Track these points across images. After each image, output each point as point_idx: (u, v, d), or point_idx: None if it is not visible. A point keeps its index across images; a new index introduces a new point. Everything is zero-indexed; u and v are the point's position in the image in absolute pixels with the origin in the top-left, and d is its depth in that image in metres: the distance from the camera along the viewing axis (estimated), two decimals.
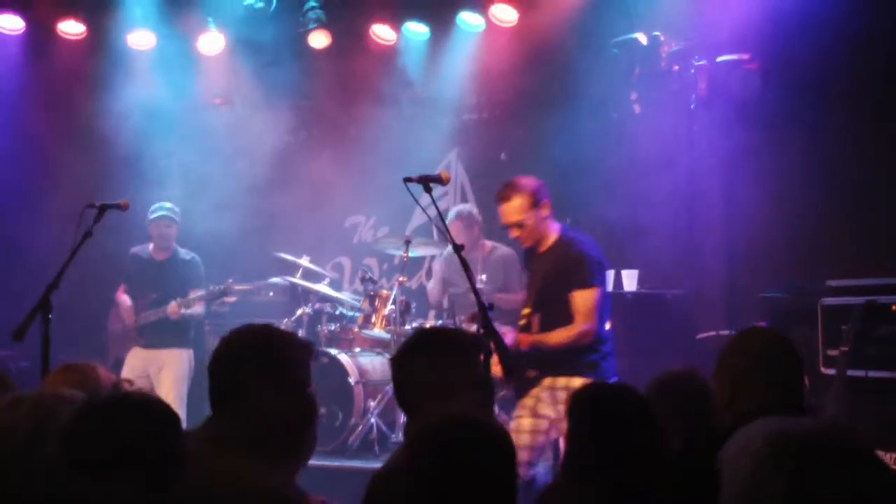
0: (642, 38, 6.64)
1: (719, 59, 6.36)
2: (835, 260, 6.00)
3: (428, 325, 6.93)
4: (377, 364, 7.13)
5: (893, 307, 4.99)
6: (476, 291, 4.01)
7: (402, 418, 6.56)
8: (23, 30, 8.17)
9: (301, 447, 2.73)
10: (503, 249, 7.20)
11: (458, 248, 4.09)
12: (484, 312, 3.86)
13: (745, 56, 6.33)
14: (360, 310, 7.14)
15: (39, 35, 8.25)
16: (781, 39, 6.25)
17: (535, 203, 4.82)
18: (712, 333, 5.92)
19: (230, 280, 7.12)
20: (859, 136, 6.16)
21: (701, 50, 6.50)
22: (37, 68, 8.35)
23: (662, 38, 6.65)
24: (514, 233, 4.90)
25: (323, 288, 7.45)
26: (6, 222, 8.26)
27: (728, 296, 6.41)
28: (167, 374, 6.95)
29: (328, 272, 8.11)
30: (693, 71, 6.47)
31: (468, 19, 7.81)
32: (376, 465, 5.56)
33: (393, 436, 6.61)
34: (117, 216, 5.02)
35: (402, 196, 4.30)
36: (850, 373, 4.88)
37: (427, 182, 4.27)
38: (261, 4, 7.82)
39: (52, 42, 8.25)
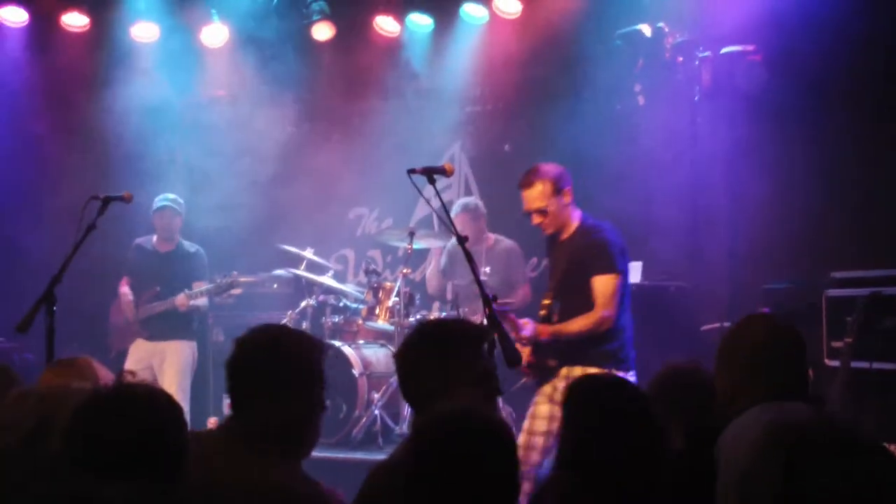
0: (646, 30, 6.63)
1: (723, 50, 6.34)
2: (839, 251, 6.00)
3: (434, 317, 6.94)
4: (381, 356, 7.14)
5: None
6: (480, 283, 4.02)
7: (406, 410, 6.59)
8: (26, 22, 8.16)
9: (309, 441, 2.79)
10: (507, 242, 7.20)
11: (461, 240, 4.09)
12: (488, 304, 3.87)
13: (750, 48, 6.30)
14: (363, 302, 7.15)
15: (43, 27, 8.24)
16: (786, 31, 6.24)
17: (557, 190, 4.79)
18: (716, 325, 5.91)
19: (235, 272, 7.13)
20: (864, 129, 6.15)
21: (705, 41, 6.48)
22: (40, 61, 8.35)
23: (667, 30, 6.64)
24: (537, 219, 4.87)
25: (327, 280, 7.45)
26: (7, 219, 8.26)
27: (731, 288, 6.39)
28: (170, 366, 6.97)
29: (332, 264, 8.11)
30: (697, 62, 6.45)
31: (472, 11, 7.79)
32: (380, 457, 5.57)
33: (397, 428, 6.62)
34: (121, 209, 5.03)
35: (405, 188, 4.30)
36: (853, 364, 4.88)
37: (431, 174, 4.27)
38: None
39: (55, 34, 8.24)
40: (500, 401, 4.90)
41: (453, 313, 6.78)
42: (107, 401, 2.33)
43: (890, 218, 5.99)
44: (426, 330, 2.95)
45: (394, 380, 6.72)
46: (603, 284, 4.69)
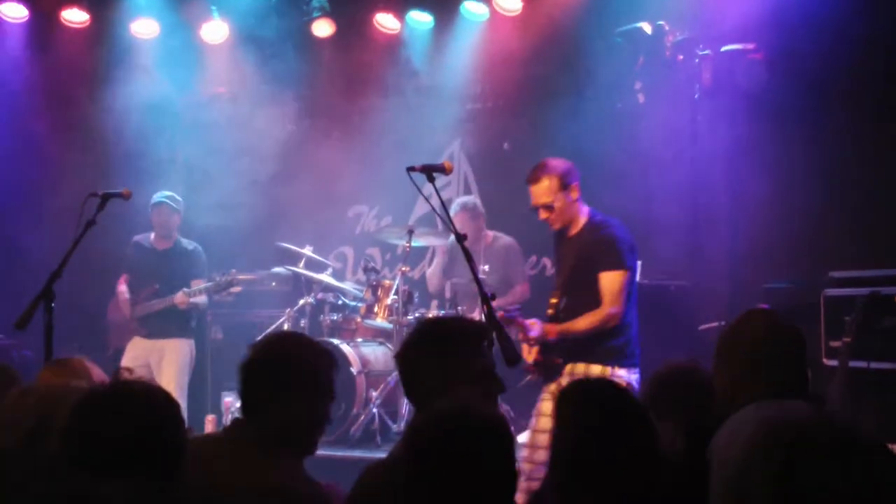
0: (647, 28, 6.62)
1: (724, 48, 6.33)
2: (838, 251, 6.00)
3: (433, 315, 6.94)
4: (379, 354, 7.14)
5: None
6: (479, 281, 4.01)
7: (405, 408, 6.59)
8: (26, 18, 8.16)
9: (315, 443, 2.83)
10: (505, 239, 7.21)
11: (460, 238, 4.08)
12: (487, 302, 3.86)
13: (750, 46, 6.30)
14: (362, 299, 7.14)
15: (43, 23, 8.23)
16: (786, 29, 6.23)
17: (564, 185, 4.77)
18: (714, 324, 5.91)
19: (234, 270, 7.12)
20: (864, 128, 6.15)
21: (706, 39, 6.47)
22: (40, 57, 8.34)
23: (667, 28, 6.63)
24: (543, 215, 4.85)
25: (326, 278, 7.45)
26: (6, 216, 8.25)
27: (731, 287, 6.39)
28: (169, 364, 6.95)
29: (331, 262, 8.11)
30: (697, 61, 6.45)
31: (472, 8, 7.78)
32: (378, 454, 5.58)
33: (395, 426, 6.62)
34: (121, 206, 5.03)
35: (405, 186, 4.30)
36: (852, 364, 4.87)
37: (430, 171, 4.26)
38: None
39: (55, 30, 8.24)
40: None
41: (452, 312, 6.78)
42: (104, 398, 2.33)
43: (890, 218, 5.98)
44: (424, 328, 2.96)
45: (392, 378, 6.72)
46: (610, 281, 4.68)
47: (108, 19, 8.19)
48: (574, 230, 4.87)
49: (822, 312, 5.24)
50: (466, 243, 4.10)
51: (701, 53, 6.44)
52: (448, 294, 7.05)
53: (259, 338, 2.93)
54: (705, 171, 6.62)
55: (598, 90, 7.00)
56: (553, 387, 4.76)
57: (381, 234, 7.80)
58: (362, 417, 6.65)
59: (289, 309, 7.32)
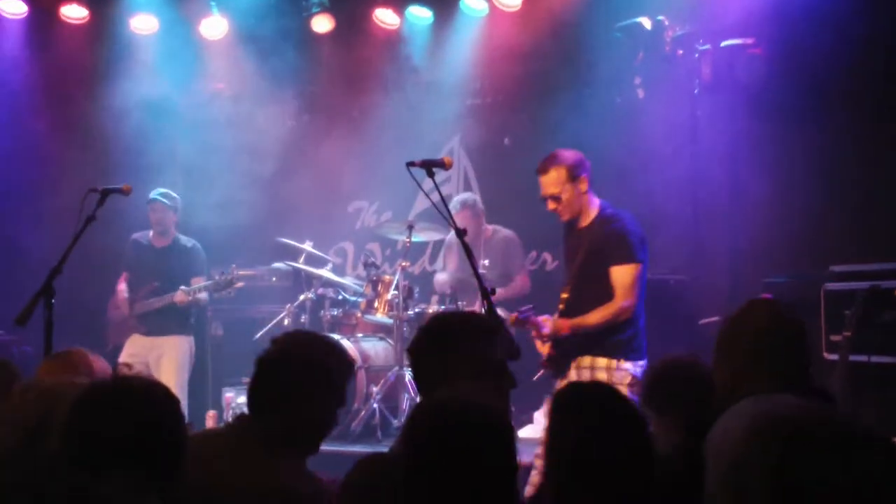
0: (646, 23, 6.62)
1: (723, 43, 6.33)
2: (838, 245, 5.99)
3: (433, 310, 6.94)
4: (380, 349, 7.14)
5: None
6: (479, 276, 4.01)
7: (405, 403, 6.59)
8: (26, 14, 8.15)
9: (318, 444, 2.85)
10: (504, 232, 7.22)
11: (460, 233, 4.08)
12: (486, 297, 3.86)
13: (750, 41, 6.30)
14: (362, 295, 7.14)
15: (42, 19, 8.23)
16: (786, 24, 6.23)
17: (572, 176, 4.76)
18: (715, 319, 5.91)
19: (234, 266, 7.11)
20: (864, 123, 6.14)
21: (705, 34, 6.47)
22: (39, 53, 8.33)
23: (667, 23, 6.63)
24: (551, 205, 4.84)
25: (326, 273, 7.45)
26: (6, 213, 8.24)
27: (731, 281, 6.40)
28: (168, 362, 6.92)
29: (331, 257, 8.11)
30: (697, 56, 6.45)
31: (472, 3, 7.78)
32: (379, 450, 5.56)
33: (395, 421, 6.62)
34: (123, 202, 5.02)
35: (405, 181, 4.29)
36: (852, 358, 4.87)
37: (430, 167, 4.25)
38: None
39: (54, 26, 8.23)
40: None
41: (452, 306, 6.78)
42: (104, 394, 2.33)
43: (889, 213, 5.98)
44: (426, 324, 2.96)
45: (392, 373, 6.73)
46: (622, 274, 4.67)
47: (107, 15, 8.18)
48: (584, 222, 4.86)
49: (822, 306, 5.24)
50: (467, 240, 4.10)
51: (700, 48, 6.44)
52: (448, 290, 7.06)
53: (279, 333, 2.89)
54: (705, 166, 6.62)
55: (598, 85, 7.00)
56: (562, 383, 4.76)
57: (382, 229, 7.80)
58: (363, 413, 6.65)
59: (289, 304, 7.32)
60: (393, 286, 6.83)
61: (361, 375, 6.79)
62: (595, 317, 4.67)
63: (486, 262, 6.94)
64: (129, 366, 3.23)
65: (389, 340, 7.14)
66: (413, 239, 6.98)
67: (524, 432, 5.99)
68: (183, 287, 6.89)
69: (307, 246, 7.51)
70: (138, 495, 2.22)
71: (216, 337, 7.87)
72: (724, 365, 2.78)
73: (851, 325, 4.89)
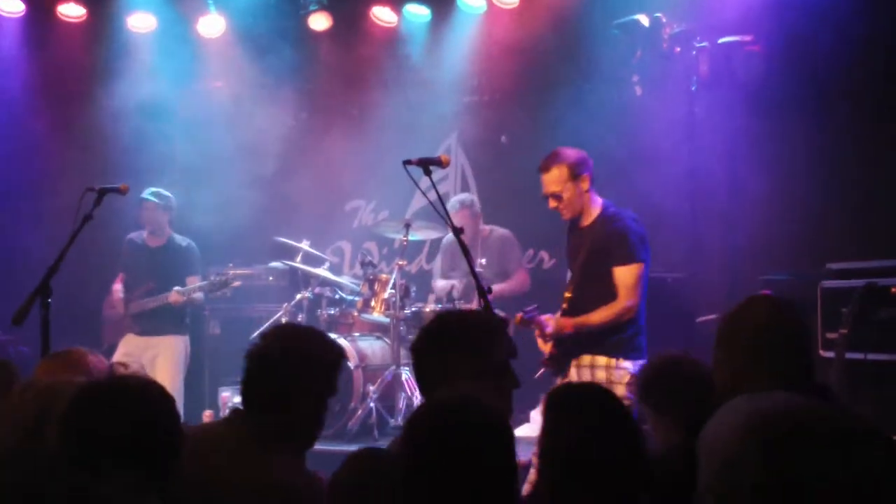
0: (644, 20, 6.60)
1: (721, 40, 6.33)
2: (836, 243, 5.99)
3: (430, 309, 6.94)
4: (377, 348, 7.14)
5: (893, 290, 4.97)
6: (476, 276, 4.01)
7: (402, 403, 6.58)
8: (23, 12, 8.14)
9: (314, 438, 2.84)
10: (500, 231, 7.22)
11: (457, 232, 4.08)
12: (483, 296, 3.86)
13: (748, 38, 6.29)
14: (359, 294, 7.13)
15: (40, 17, 8.21)
16: (784, 21, 6.22)
17: (573, 175, 4.76)
18: (712, 317, 5.91)
19: (231, 265, 7.10)
20: (863, 122, 6.14)
21: (703, 31, 6.46)
22: (37, 51, 8.32)
23: (664, 20, 6.61)
24: (552, 204, 4.84)
25: (323, 272, 7.44)
26: (3, 212, 8.23)
27: (729, 279, 6.39)
28: (163, 362, 6.90)
29: (328, 256, 8.10)
30: (695, 53, 6.44)
31: (469, 1, 7.78)
32: None
33: (392, 420, 6.61)
34: (122, 202, 5.02)
35: (402, 180, 4.29)
36: (849, 355, 4.87)
37: (427, 165, 4.25)
38: None
39: (52, 25, 8.22)
40: None
41: (448, 306, 6.78)
42: (100, 393, 2.33)
43: (887, 211, 5.98)
44: (428, 323, 2.95)
45: (389, 372, 6.72)
46: (625, 275, 4.68)
47: (105, 14, 8.18)
48: (586, 221, 4.86)
49: (818, 304, 5.23)
50: (465, 240, 4.09)
51: (698, 45, 6.43)
52: (455, 292, 7.04)
53: (268, 328, 2.88)
54: (703, 164, 6.61)
55: (596, 82, 7.00)
56: (562, 381, 4.77)
57: (379, 228, 7.80)
58: (360, 412, 6.64)
59: (286, 303, 7.31)
60: (390, 285, 6.82)
61: (358, 374, 6.79)
62: (598, 316, 4.68)
63: (483, 261, 6.94)
64: (125, 365, 3.22)
65: (386, 339, 7.14)
66: (410, 238, 6.97)
67: (521, 431, 5.98)
68: (177, 288, 6.87)
69: (304, 245, 7.51)
70: (138, 495, 2.22)
71: (213, 336, 7.87)
72: (723, 362, 2.73)
73: (848, 323, 4.88)
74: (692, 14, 6.59)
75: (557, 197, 4.80)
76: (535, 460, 4.44)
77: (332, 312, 7.34)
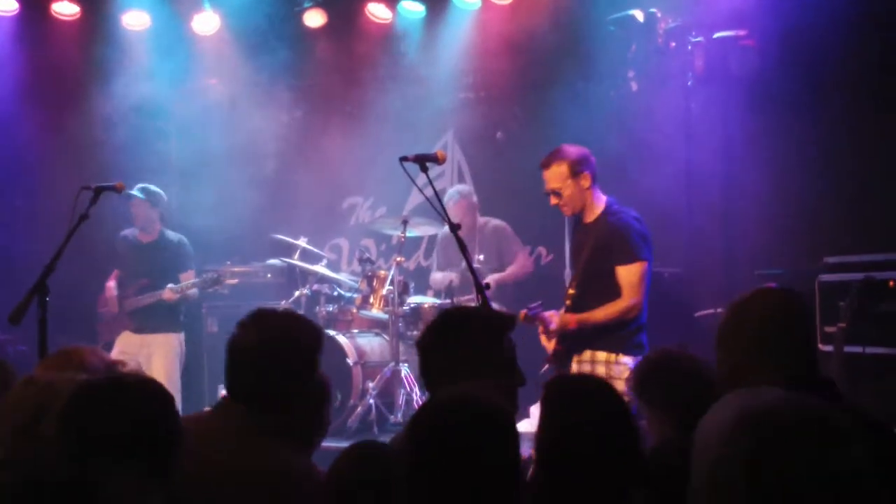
0: (639, 15, 6.61)
1: (716, 35, 6.33)
2: (833, 236, 6.00)
3: (428, 305, 6.94)
4: (375, 345, 7.14)
5: (891, 283, 4.99)
6: (473, 271, 4.02)
7: (401, 399, 6.59)
8: (16, 10, 8.12)
9: (316, 427, 2.82)
10: (494, 222, 7.24)
11: (454, 227, 4.08)
12: (481, 292, 3.87)
13: (742, 32, 6.29)
14: (357, 290, 7.14)
15: (33, 16, 8.19)
16: (779, 15, 6.22)
17: (574, 172, 4.77)
18: (710, 311, 5.92)
19: (229, 262, 7.09)
20: (858, 114, 6.14)
21: (698, 26, 6.47)
22: (31, 50, 8.29)
23: (659, 15, 6.62)
24: (553, 200, 4.85)
25: (321, 269, 7.44)
26: (0, 209, 8.22)
27: (726, 274, 6.40)
28: (158, 360, 6.88)
29: (326, 253, 8.11)
30: (690, 48, 6.44)
31: None
32: None
33: (392, 417, 6.62)
34: (116, 199, 5.01)
35: (399, 176, 4.29)
36: (847, 349, 4.88)
37: (423, 161, 4.25)
38: None
39: (45, 23, 8.19)
40: None
41: (447, 301, 6.78)
42: (99, 390, 2.33)
43: (884, 205, 5.98)
44: (434, 320, 2.95)
45: (388, 369, 6.73)
46: (628, 274, 4.70)
47: (98, 12, 8.15)
48: (589, 218, 4.87)
49: (816, 298, 5.24)
50: (462, 233, 4.09)
51: (693, 40, 6.44)
52: (445, 284, 7.05)
53: (250, 316, 2.82)
54: (699, 159, 6.62)
55: (591, 78, 6.99)
56: None
57: (376, 224, 7.80)
58: (359, 408, 6.65)
59: (284, 301, 7.31)
60: (388, 281, 6.83)
61: (357, 371, 6.79)
62: (602, 313, 4.70)
63: (481, 256, 6.95)
64: (123, 363, 3.21)
65: (385, 336, 7.14)
66: (408, 234, 6.97)
67: (521, 426, 5.97)
68: (170, 285, 6.86)
69: (302, 242, 7.51)
70: (139, 492, 2.22)
71: (211, 334, 7.86)
72: (726, 355, 2.68)
73: (846, 317, 4.89)
74: (687, 9, 6.60)
75: (558, 194, 4.81)
76: (534, 455, 4.46)
77: (331, 309, 7.34)
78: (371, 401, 6.64)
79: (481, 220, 7.24)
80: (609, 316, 4.68)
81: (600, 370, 4.66)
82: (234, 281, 7.27)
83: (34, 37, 8.25)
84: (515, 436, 2.19)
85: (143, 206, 6.96)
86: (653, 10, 6.59)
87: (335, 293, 7.43)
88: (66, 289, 4.93)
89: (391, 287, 6.77)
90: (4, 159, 8.13)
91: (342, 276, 7.68)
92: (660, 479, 2.48)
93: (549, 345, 4.79)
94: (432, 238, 7.93)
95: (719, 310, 5.77)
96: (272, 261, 7.84)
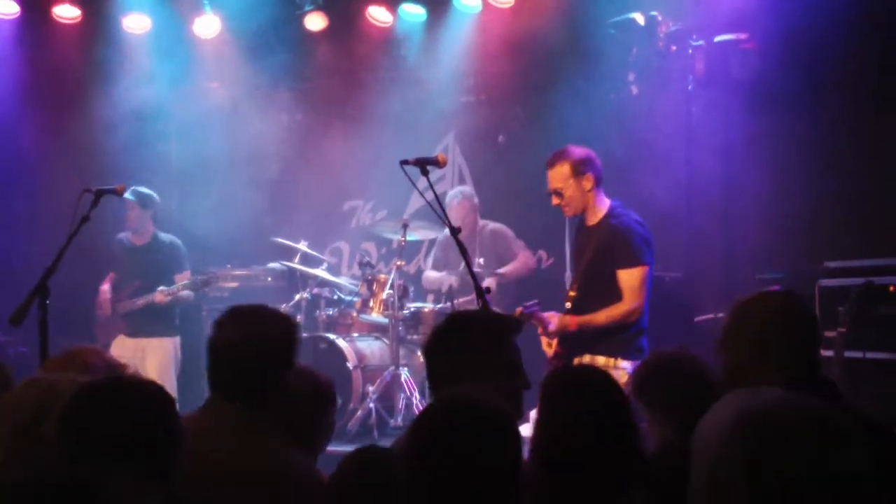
0: (640, 19, 6.61)
1: (717, 38, 6.33)
2: (833, 241, 5.99)
3: (428, 309, 6.94)
4: (375, 349, 7.14)
5: (891, 288, 4.98)
6: (474, 275, 4.01)
7: (401, 403, 6.58)
8: (17, 13, 8.12)
9: (316, 428, 2.83)
10: (492, 225, 7.25)
11: (454, 231, 4.08)
12: (481, 296, 3.86)
13: (743, 36, 6.30)
14: (358, 294, 7.14)
15: (34, 19, 8.20)
16: (780, 19, 6.22)
17: (576, 172, 4.77)
18: (710, 316, 5.91)
19: (229, 265, 7.08)
20: (859, 119, 6.14)
21: (699, 30, 6.47)
22: (32, 53, 8.30)
23: (660, 18, 6.62)
24: (555, 200, 4.86)
25: (321, 273, 7.44)
26: (1, 211, 8.22)
27: (726, 276, 6.40)
28: (153, 364, 6.84)
29: (326, 257, 8.10)
30: (691, 51, 6.44)
31: (465, 0, 7.77)
32: None
33: (392, 420, 6.62)
34: (117, 202, 5.00)
35: (399, 179, 4.29)
36: (847, 354, 4.87)
37: (424, 165, 4.25)
38: None
39: (47, 26, 8.20)
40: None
41: (448, 305, 6.78)
42: (100, 392, 2.33)
43: (884, 209, 5.98)
44: (439, 324, 2.96)
45: (388, 373, 6.72)
46: (630, 277, 4.69)
47: (99, 15, 8.15)
48: (592, 220, 4.87)
49: (816, 303, 5.24)
50: (463, 237, 4.09)
51: (694, 44, 6.44)
52: (444, 288, 7.05)
53: (228, 314, 2.86)
54: (699, 162, 6.62)
55: (592, 81, 6.99)
56: None
57: (377, 228, 7.80)
58: (359, 412, 6.64)
59: (284, 304, 7.30)
60: (388, 285, 6.83)
61: (357, 375, 6.79)
62: (603, 316, 4.69)
63: (481, 260, 6.94)
64: (125, 366, 3.22)
65: (385, 340, 7.14)
66: (408, 238, 6.98)
67: (523, 430, 5.97)
68: (161, 287, 6.84)
69: (302, 246, 7.50)
70: (138, 494, 2.21)
71: None
72: (728, 357, 2.69)
73: (846, 322, 4.88)
74: (688, 12, 6.60)
75: (559, 193, 4.82)
76: (532, 452, 4.47)
77: (331, 313, 7.34)
78: (371, 404, 6.63)
79: (480, 223, 7.24)
80: (610, 319, 4.68)
81: None
82: (234, 284, 7.26)
83: (35, 39, 8.25)
84: (516, 438, 2.19)
85: (134, 209, 6.94)
86: (654, 13, 6.59)
87: (335, 297, 7.43)
88: (67, 291, 4.93)
89: (391, 291, 6.77)
90: (5, 161, 8.13)
91: (342, 280, 7.68)
92: (661, 480, 2.48)
93: (550, 348, 4.78)
94: (433, 242, 7.93)
95: (720, 314, 5.77)
96: (272, 264, 7.84)
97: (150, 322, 6.93)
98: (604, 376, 2.53)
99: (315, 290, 7.41)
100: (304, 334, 7.12)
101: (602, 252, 4.73)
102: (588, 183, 4.79)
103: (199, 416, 2.84)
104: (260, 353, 2.78)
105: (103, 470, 2.18)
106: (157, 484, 2.26)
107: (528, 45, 7.53)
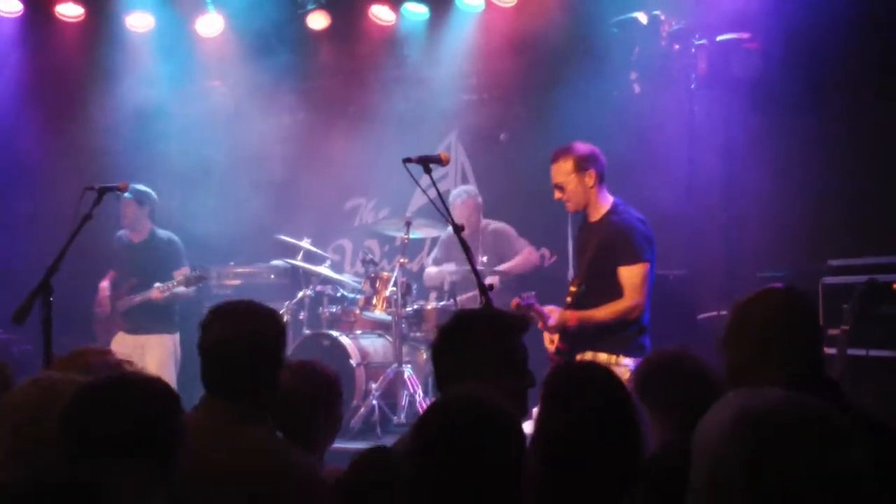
0: (642, 18, 6.61)
1: (719, 38, 6.33)
2: (836, 239, 5.99)
3: (431, 307, 6.94)
4: (378, 346, 7.14)
5: (894, 286, 4.98)
6: (477, 273, 4.02)
7: (404, 400, 6.59)
8: (20, 12, 8.14)
9: (314, 428, 2.83)
10: (494, 224, 7.25)
11: (458, 229, 4.08)
12: (484, 293, 3.87)
13: (746, 35, 6.29)
14: (361, 292, 7.14)
15: (37, 17, 8.21)
16: (782, 17, 6.22)
17: (579, 168, 4.80)
18: (713, 314, 5.92)
19: (232, 263, 7.08)
20: (860, 117, 6.14)
21: (701, 29, 6.47)
22: (35, 52, 8.31)
23: (663, 18, 6.62)
24: (557, 195, 4.88)
25: (324, 270, 7.45)
26: (2, 210, 8.23)
27: (728, 275, 6.40)
28: (152, 361, 6.82)
29: (329, 254, 8.11)
30: (693, 50, 6.44)
31: None
32: None
33: (395, 418, 6.62)
34: (116, 200, 5.00)
35: (402, 177, 4.29)
36: (850, 352, 4.88)
37: (427, 163, 4.26)
38: None
39: (50, 25, 8.21)
40: None
41: (450, 302, 6.79)
42: (102, 390, 2.33)
43: (886, 207, 5.98)
44: (446, 322, 2.96)
45: (391, 370, 6.73)
46: (630, 274, 4.71)
47: (102, 13, 8.17)
48: (594, 217, 4.89)
49: (820, 301, 5.24)
50: (466, 236, 4.09)
51: (697, 43, 6.44)
52: (446, 285, 7.06)
53: (213, 312, 2.87)
54: (702, 161, 6.62)
55: (595, 80, 6.99)
56: None
57: (379, 226, 7.80)
58: (362, 409, 6.65)
59: (287, 302, 7.32)
60: (391, 283, 6.83)
61: (360, 372, 6.79)
62: (604, 313, 4.71)
63: (484, 258, 6.95)
64: (130, 363, 3.22)
65: (388, 337, 7.14)
66: (411, 235, 6.98)
67: (526, 427, 5.98)
68: (158, 284, 6.85)
69: (305, 243, 7.51)
70: (140, 492, 2.22)
71: None
72: (731, 356, 2.67)
73: (849, 319, 4.88)
74: (690, 12, 6.60)
75: (561, 188, 4.84)
76: (533, 450, 4.47)
77: (334, 310, 7.35)
78: (374, 402, 6.64)
79: (483, 222, 7.25)
80: (610, 315, 4.69)
81: None
82: (237, 282, 7.27)
83: (38, 38, 8.27)
84: (518, 436, 2.19)
85: (130, 206, 6.94)
86: (656, 12, 6.59)
87: (338, 294, 7.43)
88: (69, 289, 4.93)
89: (394, 288, 6.77)
90: (6, 161, 8.15)
91: (345, 278, 7.68)
92: (661, 480, 2.48)
93: (552, 344, 4.79)
94: (435, 240, 7.94)
95: (723, 312, 5.76)
96: (275, 262, 7.85)
97: (149, 319, 6.93)
98: (606, 373, 2.53)
99: (318, 288, 7.42)
100: (308, 331, 7.15)
101: (603, 249, 4.74)
102: (590, 179, 4.81)
103: (195, 413, 2.86)
104: (244, 348, 2.81)
105: (104, 470, 2.18)
106: (158, 483, 2.26)
107: (531, 44, 7.54)
